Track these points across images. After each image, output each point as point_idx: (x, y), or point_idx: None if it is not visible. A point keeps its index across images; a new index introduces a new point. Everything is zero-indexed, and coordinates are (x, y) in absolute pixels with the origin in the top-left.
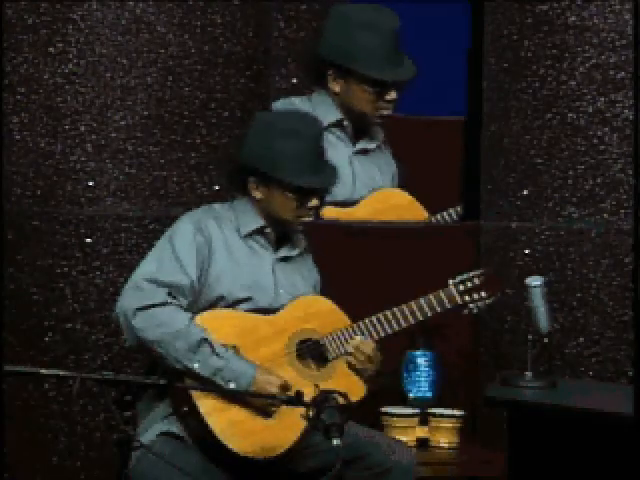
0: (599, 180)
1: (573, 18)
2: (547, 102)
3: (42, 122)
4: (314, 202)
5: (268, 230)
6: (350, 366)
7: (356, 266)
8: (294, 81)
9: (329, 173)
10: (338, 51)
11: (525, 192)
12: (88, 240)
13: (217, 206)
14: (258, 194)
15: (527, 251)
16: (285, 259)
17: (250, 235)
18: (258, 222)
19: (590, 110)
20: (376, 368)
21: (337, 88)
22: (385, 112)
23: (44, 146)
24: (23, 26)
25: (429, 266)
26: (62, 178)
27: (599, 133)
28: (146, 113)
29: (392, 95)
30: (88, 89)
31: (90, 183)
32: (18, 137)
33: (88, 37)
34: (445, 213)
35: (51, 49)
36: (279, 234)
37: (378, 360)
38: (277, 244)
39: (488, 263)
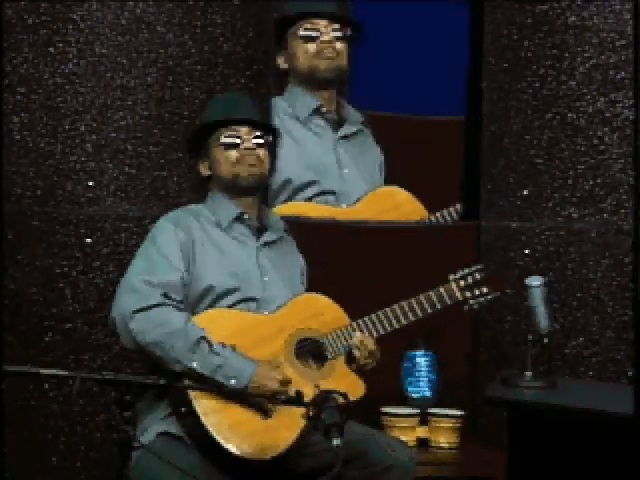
0: (599, 180)
1: (573, 18)
2: (547, 102)
3: (42, 122)
4: (249, 143)
5: (246, 216)
6: (350, 360)
7: (356, 266)
8: None
9: (253, 110)
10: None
11: (525, 192)
12: (88, 240)
13: (192, 206)
14: (207, 171)
15: (527, 251)
16: (268, 245)
17: (230, 226)
18: (235, 210)
19: (590, 110)
20: (374, 364)
21: (284, 63)
22: (327, 54)
23: (44, 146)
24: (23, 26)
25: (429, 266)
26: (62, 178)
27: (599, 133)
28: (146, 113)
29: (325, 37)
30: (88, 89)
31: (90, 183)
32: (18, 137)
33: (88, 37)
34: (445, 211)
35: (51, 49)
36: (257, 222)
37: (377, 357)
38: (258, 232)
39: (488, 263)
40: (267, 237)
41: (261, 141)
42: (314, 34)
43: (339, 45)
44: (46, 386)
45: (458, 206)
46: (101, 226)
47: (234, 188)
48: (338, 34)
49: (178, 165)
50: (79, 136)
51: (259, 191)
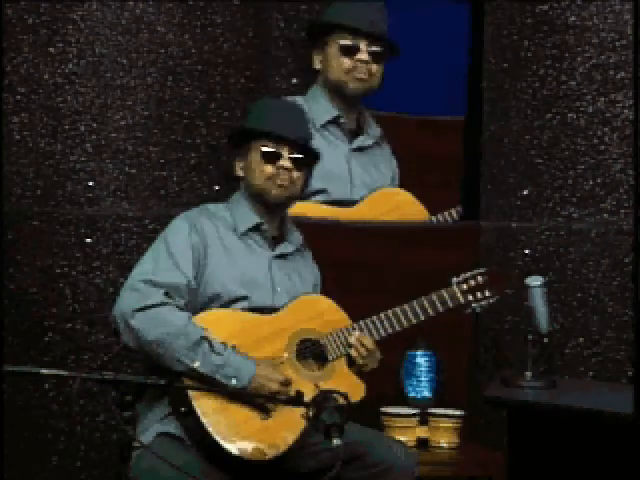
0: (599, 180)
1: (573, 18)
2: (547, 102)
3: (42, 122)
4: (284, 162)
5: (265, 227)
6: (350, 361)
7: (356, 266)
8: (294, 81)
9: (302, 129)
10: (320, 20)
11: (525, 192)
12: (88, 240)
13: (212, 206)
14: (240, 172)
15: (527, 251)
16: (282, 257)
17: (247, 233)
18: (254, 219)
19: (590, 110)
20: (375, 366)
21: (319, 64)
22: (359, 75)
23: (44, 146)
24: (23, 26)
25: (429, 266)
26: (62, 178)
27: (599, 133)
28: (146, 113)
29: (363, 55)
30: (88, 89)
31: (90, 183)
32: (18, 137)
33: (88, 37)
34: (446, 213)
35: (51, 49)
36: (275, 233)
37: (377, 357)
38: (274, 243)
39: (488, 263)
40: (283, 249)
41: (299, 156)
42: (353, 45)
43: (375, 67)
44: (46, 386)
45: (459, 208)
46: (101, 226)
47: (260, 200)
48: (377, 49)
49: (178, 165)
50: (79, 136)
51: (284, 210)
